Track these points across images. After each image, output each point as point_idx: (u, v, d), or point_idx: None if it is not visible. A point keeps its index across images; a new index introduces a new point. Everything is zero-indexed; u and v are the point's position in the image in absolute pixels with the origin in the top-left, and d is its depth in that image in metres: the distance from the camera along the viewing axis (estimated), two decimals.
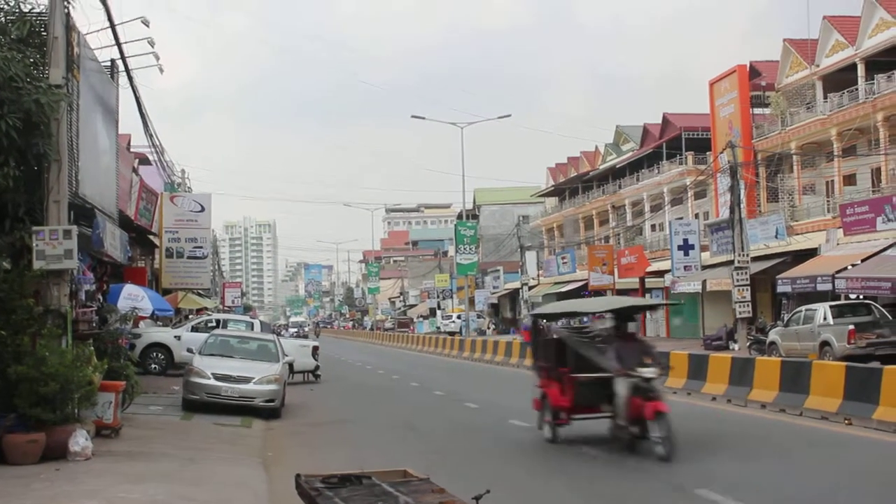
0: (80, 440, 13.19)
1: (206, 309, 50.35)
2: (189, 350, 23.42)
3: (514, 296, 76.85)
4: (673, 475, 12.52)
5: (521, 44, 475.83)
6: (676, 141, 60.86)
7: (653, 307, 35.21)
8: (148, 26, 26.13)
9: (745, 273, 34.98)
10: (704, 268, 43.99)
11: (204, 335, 25.57)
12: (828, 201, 44.75)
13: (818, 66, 47.38)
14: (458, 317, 76.40)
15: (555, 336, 16.98)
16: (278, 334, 33.18)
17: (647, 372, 14.13)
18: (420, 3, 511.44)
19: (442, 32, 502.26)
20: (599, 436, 16.17)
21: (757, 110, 53.04)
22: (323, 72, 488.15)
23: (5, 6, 14.99)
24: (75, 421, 13.68)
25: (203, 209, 36.85)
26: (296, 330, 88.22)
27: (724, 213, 41.54)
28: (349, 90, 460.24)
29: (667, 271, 47.70)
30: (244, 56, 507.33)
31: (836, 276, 33.45)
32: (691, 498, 11.03)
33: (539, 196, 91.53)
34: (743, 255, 35.18)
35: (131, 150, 37.40)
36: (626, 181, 68.51)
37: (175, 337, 29.68)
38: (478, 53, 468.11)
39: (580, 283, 61.52)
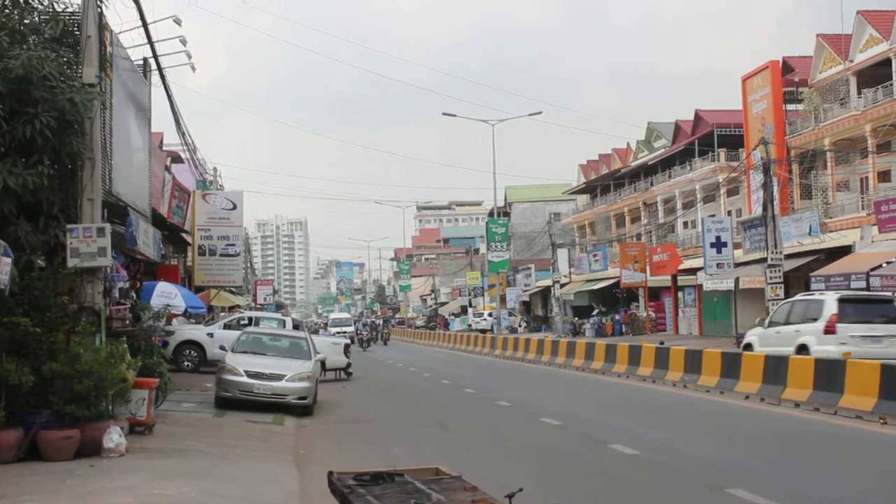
0: (113, 437, 13.28)
1: (239, 306, 50.57)
2: (221, 347, 23.50)
3: (545, 293, 76.69)
4: (706, 474, 12.46)
5: (550, 43, 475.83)
6: (709, 138, 60.58)
7: None
8: (180, 25, 26.32)
9: (779, 271, 34.71)
10: (737, 265, 43.68)
11: (236, 332, 25.64)
12: (862, 198, 44.39)
13: (852, 61, 47.03)
14: (490, 314, 76.36)
15: None
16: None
17: None
18: (449, 4, 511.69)
19: (470, 33, 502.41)
20: (634, 432, 16.13)
21: (790, 106, 52.68)
22: (352, 71, 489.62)
23: (39, 6, 15.12)
24: (109, 418, 13.78)
25: (235, 207, 36.98)
26: (341, 329, 66.17)
27: (757, 211, 41.21)
28: (379, 89, 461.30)
29: (699, 269, 47.39)
30: (274, 56, 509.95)
31: (871, 273, 33.13)
32: (724, 497, 10.95)
33: (570, 193, 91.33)
34: (776, 253, 34.91)
35: (163, 148, 37.60)
36: (658, 178, 68.27)
37: (208, 334, 29.86)
38: (507, 53, 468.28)
39: (612, 281, 61.39)
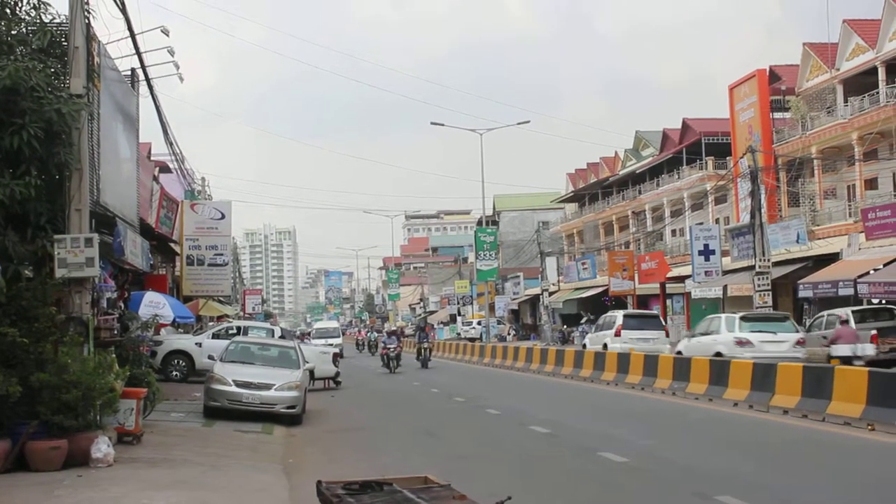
0: (102, 447, 13.24)
1: (227, 316, 50.48)
2: (210, 357, 23.51)
3: (534, 302, 76.76)
4: (695, 481, 12.48)
5: (539, 53, 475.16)
6: (696, 146, 60.78)
7: None
8: (168, 35, 26.32)
9: (767, 278, 34.81)
10: (725, 273, 43.81)
11: (225, 342, 25.58)
12: (849, 205, 44.56)
13: (838, 69, 47.23)
14: (479, 323, 76.36)
15: None
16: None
17: None
18: (436, 14, 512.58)
19: (459, 43, 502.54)
20: (623, 440, 16.15)
21: (777, 115, 52.91)
22: (339, 81, 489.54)
23: (26, 17, 15.10)
24: (97, 428, 13.73)
25: (223, 217, 37.00)
26: (328, 341, 49.54)
27: (745, 218, 41.33)
28: (367, 99, 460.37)
29: (687, 277, 47.51)
30: (262, 66, 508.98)
31: (859, 280, 33.23)
32: None
33: (559, 202, 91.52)
34: (764, 260, 35.02)
35: (152, 158, 37.61)
36: (646, 187, 68.44)
37: (196, 344, 29.77)
38: (496, 63, 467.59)
39: (600, 289, 61.45)
